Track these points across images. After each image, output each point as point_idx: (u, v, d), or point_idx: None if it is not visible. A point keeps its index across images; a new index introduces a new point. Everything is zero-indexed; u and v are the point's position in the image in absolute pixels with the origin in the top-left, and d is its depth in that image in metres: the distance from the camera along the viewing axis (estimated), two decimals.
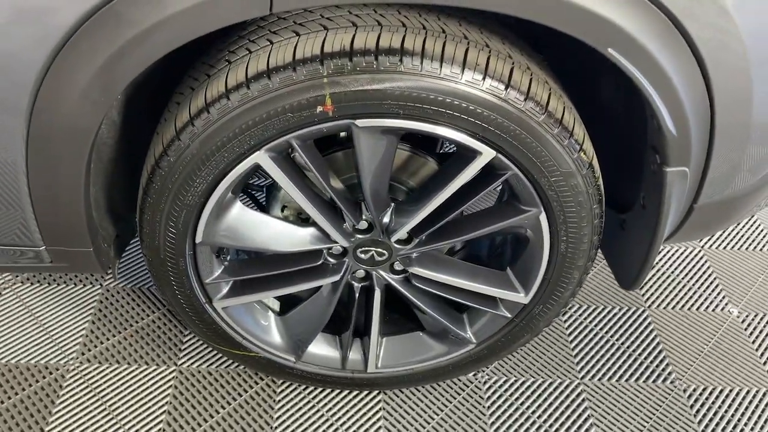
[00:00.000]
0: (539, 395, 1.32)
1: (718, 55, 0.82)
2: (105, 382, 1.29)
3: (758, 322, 1.48)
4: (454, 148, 1.26)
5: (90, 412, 1.24)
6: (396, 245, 1.06)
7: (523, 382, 1.34)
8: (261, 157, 0.91)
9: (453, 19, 0.90)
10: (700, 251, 1.65)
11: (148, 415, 1.24)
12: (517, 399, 1.31)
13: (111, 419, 1.23)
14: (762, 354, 1.42)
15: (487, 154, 0.90)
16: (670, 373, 1.37)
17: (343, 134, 1.08)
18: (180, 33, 0.81)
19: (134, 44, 0.81)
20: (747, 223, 1.74)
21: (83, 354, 1.34)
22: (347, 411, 1.27)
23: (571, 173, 0.92)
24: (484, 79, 0.85)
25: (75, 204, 0.97)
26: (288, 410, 1.27)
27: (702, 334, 1.45)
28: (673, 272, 1.59)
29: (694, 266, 1.61)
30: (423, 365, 1.23)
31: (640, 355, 1.40)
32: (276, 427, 1.24)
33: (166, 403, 1.26)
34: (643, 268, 1.06)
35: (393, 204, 1.03)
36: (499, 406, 1.30)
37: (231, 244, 1.04)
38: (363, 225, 1.05)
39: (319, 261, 1.09)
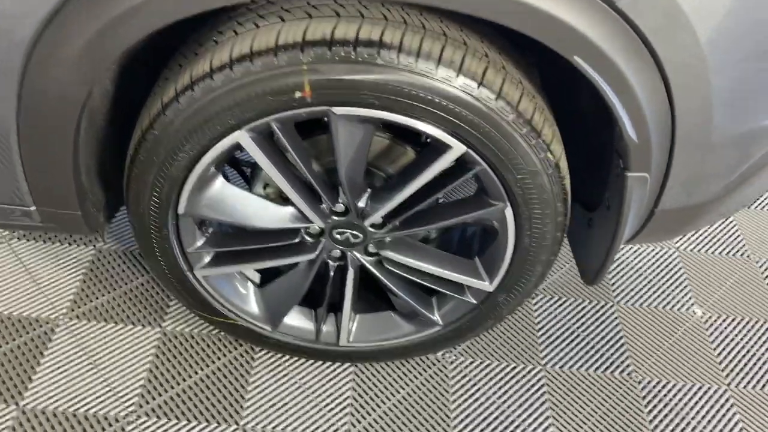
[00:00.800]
0: (501, 378, 1.38)
1: (679, 67, 0.85)
2: (92, 339, 1.36)
3: (720, 323, 1.54)
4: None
5: (76, 365, 1.31)
6: (370, 229, 1.11)
7: (488, 365, 1.40)
8: (242, 137, 0.95)
9: (434, 15, 0.92)
10: (674, 252, 1.69)
11: (131, 372, 1.32)
12: (480, 380, 1.38)
13: (95, 373, 1.31)
14: (719, 353, 1.47)
15: (457, 149, 0.94)
16: (628, 366, 1.43)
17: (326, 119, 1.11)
18: (167, 13, 0.83)
19: (122, 20, 0.83)
20: (724, 227, 1.77)
21: (73, 311, 1.41)
22: (320, 380, 1.34)
23: (536, 172, 0.96)
24: (457, 76, 0.88)
25: (63, 168, 1.01)
26: (263, 376, 1.34)
27: (664, 331, 1.50)
28: (645, 270, 1.64)
29: (666, 266, 1.65)
30: (392, 342, 1.29)
31: (603, 347, 1.46)
32: (250, 390, 1.31)
33: (149, 361, 1.34)
34: (603, 265, 1.11)
35: (369, 189, 1.07)
36: (463, 385, 1.36)
37: (212, 217, 1.09)
38: (339, 208, 1.09)
39: (297, 239, 1.14)
